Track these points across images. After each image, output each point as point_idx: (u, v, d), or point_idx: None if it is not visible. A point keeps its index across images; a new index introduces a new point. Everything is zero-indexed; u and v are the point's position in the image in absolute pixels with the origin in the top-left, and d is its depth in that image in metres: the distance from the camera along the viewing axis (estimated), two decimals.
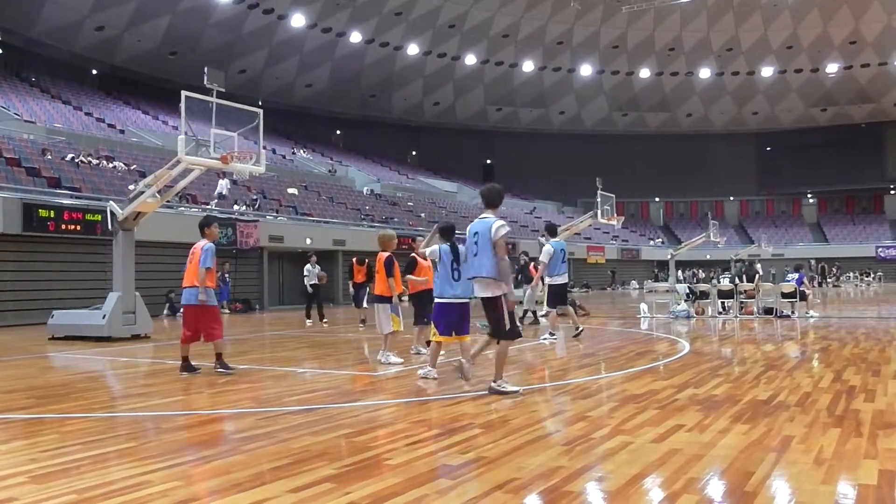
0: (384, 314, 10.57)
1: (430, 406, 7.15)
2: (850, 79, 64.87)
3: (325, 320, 19.50)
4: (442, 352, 9.24)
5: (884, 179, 70.83)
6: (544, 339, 13.58)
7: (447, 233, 8.97)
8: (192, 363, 9.69)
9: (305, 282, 20.04)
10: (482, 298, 7.80)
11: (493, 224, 7.66)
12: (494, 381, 7.72)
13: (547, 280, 14.37)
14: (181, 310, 9.90)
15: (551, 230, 15.10)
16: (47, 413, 7.12)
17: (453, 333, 8.73)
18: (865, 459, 4.92)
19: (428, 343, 10.77)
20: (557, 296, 14.21)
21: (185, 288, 9.73)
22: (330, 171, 48.25)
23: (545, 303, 15.18)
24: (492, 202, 7.98)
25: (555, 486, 4.38)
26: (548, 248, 14.02)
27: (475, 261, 7.74)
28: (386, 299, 10.60)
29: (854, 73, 64.23)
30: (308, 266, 19.99)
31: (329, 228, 32.58)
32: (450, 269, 8.67)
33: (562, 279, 14.16)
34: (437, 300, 8.80)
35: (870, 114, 68.55)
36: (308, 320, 19.57)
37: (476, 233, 7.75)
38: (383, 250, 10.59)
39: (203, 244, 9.70)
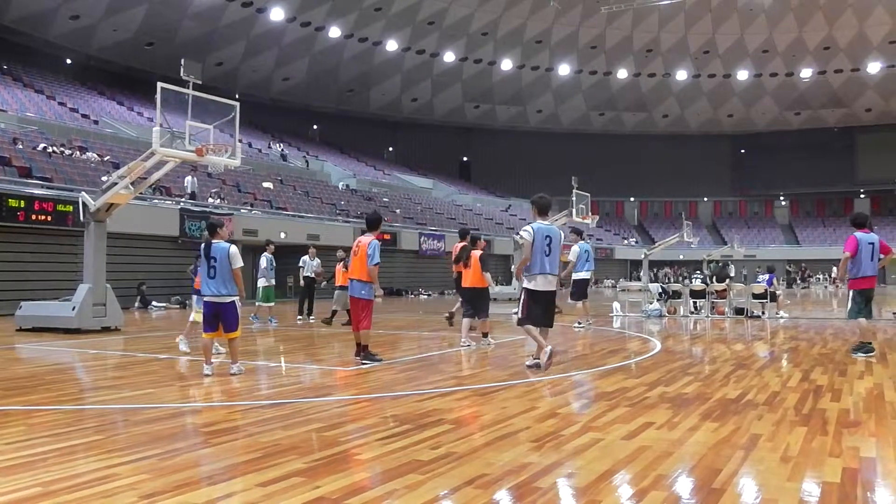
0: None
1: (401, 401, 7.15)
2: (824, 83, 65.64)
3: (311, 316, 18.56)
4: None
5: (854, 183, 71.75)
6: (577, 328, 15.82)
7: (210, 229, 9.26)
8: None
9: (300, 274, 19.04)
10: (549, 292, 9.25)
11: (561, 233, 9.37)
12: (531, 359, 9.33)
13: (574, 276, 16.77)
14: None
15: (578, 232, 17.93)
16: (13, 405, 7.02)
17: (220, 330, 9.06)
18: (830, 458, 4.98)
19: (485, 335, 12.15)
20: (580, 289, 16.70)
21: (351, 279, 10.08)
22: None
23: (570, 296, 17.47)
24: (545, 209, 9.38)
25: (524, 482, 4.40)
26: (574, 248, 16.78)
27: (549, 260, 9.12)
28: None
29: (827, 78, 64.99)
30: (305, 258, 18.90)
31: (303, 223, 32.43)
32: (206, 268, 8.95)
33: (582, 275, 16.67)
34: (203, 298, 9.21)
35: (842, 118, 69.41)
36: (299, 316, 18.54)
37: (548, 236, 9.11)
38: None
39: (370, 239, 9.87)
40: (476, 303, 12.37)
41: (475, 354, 11.19)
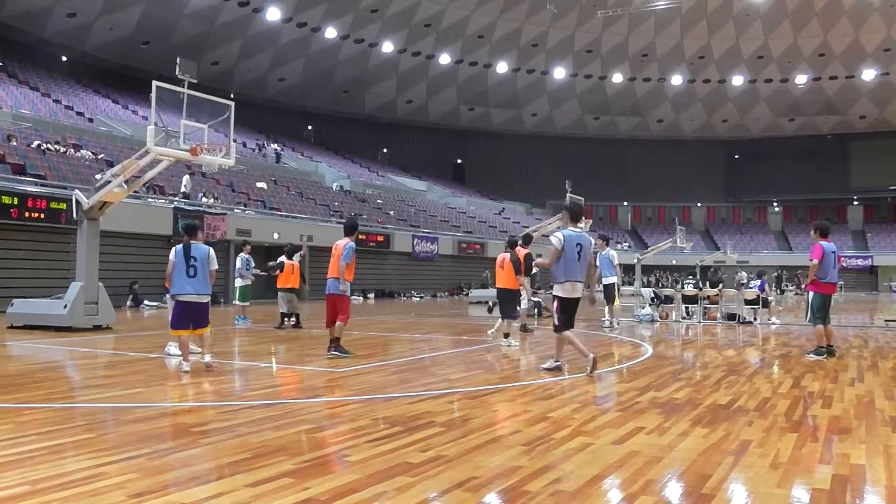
0: None
1: (392, 403, 7.14)
2: (818, 90, 65.84)
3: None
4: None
5: (847, 190, 71.98)
6: (606, 327, 17.15)
7: (190, 230, 9.57)
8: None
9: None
10: (576, 298, 9.35)
11: (591, 240, 9.47)
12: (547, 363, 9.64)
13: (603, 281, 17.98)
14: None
15: (605, 239, 19.23)
16: (3, 402, 6.99)
17: (191, 327, 9.37)
18: (820, 464, 5.00)
19: (506, 335, 12.67)
20: (609, 293, 18.01)
21: (328, 278, 10.73)
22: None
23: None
24: (578, 217, 9.57)
25: (514, 486, 4.39)
26: (613, 253, 18.69)
27: (579, 267, 9.18)
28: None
29: (822, 85, 65.20)
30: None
31: (297, 223, 32.37)
32: (185, 268, 9.19)
33: (611, 280, 18.18)
34: (176, 297, 9.36)
35: (836, 125, 69.63)
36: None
37: (579, 244, 9.16)
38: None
39: (345, 242, 10.65)
40: (504, 304, 13.15)
41: (470, 356, 11.18)
